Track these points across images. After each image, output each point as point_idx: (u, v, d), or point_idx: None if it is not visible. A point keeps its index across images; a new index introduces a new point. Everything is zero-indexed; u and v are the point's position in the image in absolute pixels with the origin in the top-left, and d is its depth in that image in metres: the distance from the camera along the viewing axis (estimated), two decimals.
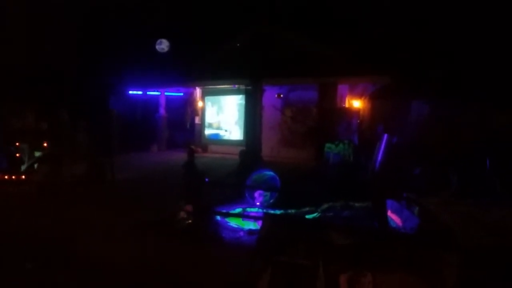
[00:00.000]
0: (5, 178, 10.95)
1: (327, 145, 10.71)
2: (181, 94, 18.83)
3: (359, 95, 14.31)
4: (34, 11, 18.42)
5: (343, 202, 8.51)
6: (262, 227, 3.53)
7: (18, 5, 17.71)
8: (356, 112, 13.57)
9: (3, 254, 5.90)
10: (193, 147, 10.49)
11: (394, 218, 7.20)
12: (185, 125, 18.21)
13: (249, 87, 13.58)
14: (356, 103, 14.04)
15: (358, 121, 13.60)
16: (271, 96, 15.32)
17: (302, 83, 14.79)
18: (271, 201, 8.61)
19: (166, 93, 18.70)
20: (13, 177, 11.01)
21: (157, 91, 18.63)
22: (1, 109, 13.57)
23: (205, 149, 17.24)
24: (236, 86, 15.99)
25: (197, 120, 17.85)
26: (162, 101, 18.67)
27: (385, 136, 10.51)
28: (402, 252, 3.13)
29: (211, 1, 20.37)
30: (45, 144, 11.64)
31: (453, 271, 2.93)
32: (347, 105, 14.25)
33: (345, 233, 3.48)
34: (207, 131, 17.76)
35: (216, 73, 15.69)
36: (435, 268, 2.98)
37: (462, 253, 3.09)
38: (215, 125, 17.59)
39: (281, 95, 15.51)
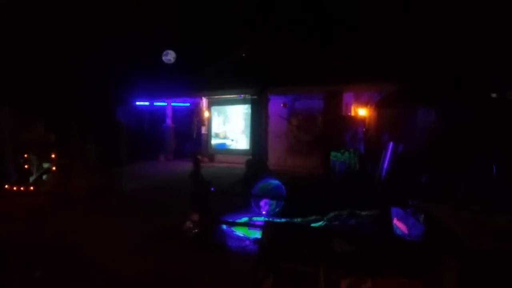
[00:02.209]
0: (14, 190, 11.09)
1: (333, 153, 10.72)
2: (188, 104, 18.99)
3: (365, 103, 14.32)
4: (44, 23, 18.74)
5: (349, 211, 8.49)
6: (263, 234, 3.58)
7: (29, 17, 18.01)
8: (362, 120, 13.57)
9: (12, 263, 5.98)
10: (199, 156, 10.57)
11: (400, 225, 7.18)
12: (191, 135, 18.33)
13: (255, 97, 13.67)
14: (362, 111, 14.05)
15: (364, 129, 13.59)
16: (276, 105, 15.39)
17: (307, 92, 14.86)
18: (277, 210, 8.63)
19: (172, 104, 18.87)
20: (22, 188, 11.16)
21: (164, 102, 18.81)
22: (10, 121, 13.76)
23: (211, 158, 17.33)
24: (242, 95, 16.11)
25: (203, 130, 17.97)
26: (169, 112, 18.83)
27: (391, 144, 10.54)
28: (402, 257, 3.15)
29: (216, 11, 20.60)
30: (53, 155, 11.77)
31: (454, 276, 2.95)
32: (352, 113, 14.28)
33: (346, 240, 3.51)
34: (214, 141, 17.86)
35: (222, 82, 15.81)
36: (435, 273, 3.00)
37: (464, 257, 3.10)
38: (221, 135, 17.69)
39: (287, 104, 15.60)
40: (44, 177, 11.34)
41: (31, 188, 11.19)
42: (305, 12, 19.87)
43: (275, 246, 3.40)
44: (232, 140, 17.29)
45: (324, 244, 3.38)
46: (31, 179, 11.61)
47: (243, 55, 15.63)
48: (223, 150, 17.53)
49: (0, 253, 6.31)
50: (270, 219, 8.10)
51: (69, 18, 19.72)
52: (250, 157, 13.32)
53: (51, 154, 11.88)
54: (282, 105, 15.45)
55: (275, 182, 9.11)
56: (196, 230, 7.39)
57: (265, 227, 3.55)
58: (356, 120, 13.53)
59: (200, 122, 18.09)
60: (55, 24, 19.02)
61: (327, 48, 14.88)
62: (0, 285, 5.37)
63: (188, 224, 7.53)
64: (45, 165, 11.77)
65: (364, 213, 8.43)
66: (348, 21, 18.32)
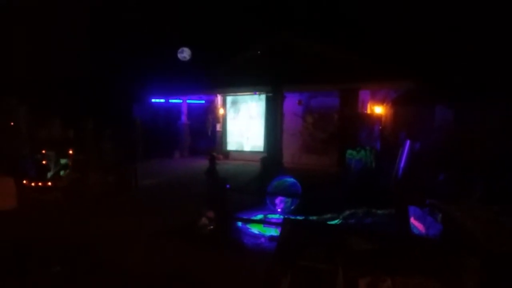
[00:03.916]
0: (32, 185, 11.26)
1: (349, 151, 10.65)
2: (203, 101, 19.05)
3: (381, 101, 14.19)
4: (61, 23, 19.00)
5: (365, 209, 8.44)
6: (282, 231, 3.56)
7: (47, 17, 18.27)
8: (378, 118, 13.46)
9: (31, 258, 6.08)
10: (214, 154, 10.59)
11: (417, 225, 7.10)
12: (206, 132, 18.38)
13: (270, 94, 13.66)
14: (378, 109, 13.93)
15: (380, 127, 13.47)
16: (291, 103, 15.35)
17: (323, 90, 14.77)
18: (292, 207, 8.61)
19: (188, 101, 18.95)
20: (40, 184, 11.32)
21: (179, 99, 18.90)
22: (28, 118, 13.98)
23: (226, 156, 17.37)
24: (257, 93, 16.11)
25: (218, 127, 18.01)
26: (184, 109, 18.92)
27: (408, 142, 10.43)
28: (421, 256, 3.11)
29: (232, 9, 20.61)
30: (71, 152, 11.92)
31: (474, 276, 2.90)
32: (368, 111, 14.15)
33: (365, 238, 3.48)
34: (229, 138, 17.90)
35: (237, 80, 15.82)
36: (455, 273, 2.95)
37: (484, 258, 3.05)
38: (236, 132, 17.72)
39: (302, 102, 15.54)
40: (62, 173, 11.48)
41: (49, 183, 11.35)
42: (321, 10, 19.75)
43: (293, 244, 3.39)
44: (247, 138, 17.30)
45: (342, 242, 3.36)
46: (49, 175, 11.79)
47: (259, 52, 15.59)
48: (238, 147, 17.54)
49: (19, 248, 6.40)
50: (286, 217, 8.08)
51: (86, 18, 19.96)
52: (265, 155, 13.32)
53: (68, 151, 12.05)
54: (297, 102, 15.40)
55: (291, 180, 9.09)
56: (212, 227, 7.42)
57: (283, 224, 3.54)
58: (372, 118, 13.43)
59: (215, 119, 18.13)
60: (71, 24, 19.28)
61: (343, 46, 14.76)
62: (20, 278, 5.46)
63: (204, 220, 7.56)
64: (63, 161, 11.93)
65: (380, 211, 8.37)
66: (365, 19, 18.16)
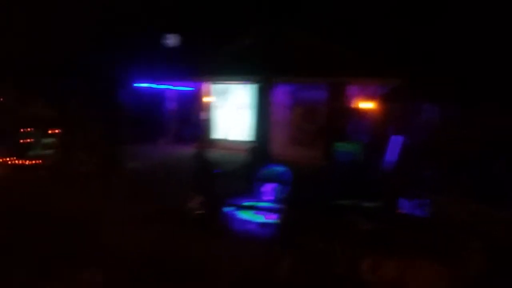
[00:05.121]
0: (9, 163, 10.97)
1: (337, 144, 10.70)
2: (191, 89, 18.84)
3: (370, 97, 14.30)
4: (49, 5, 18.55)
5: (352, 202, 8.49)
6: (282, 213, 3.55)
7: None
8: (367, 113, 13.57)
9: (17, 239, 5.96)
10: (202, 140, 10.52)
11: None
12: (193, 119, 18.21)
13: (259, 84, 13.58)
14: (367, 104, 14.04)
15: (368, 122, 13.59)
16: (280, 94, 15.30)
17: (312, 82, 14.77)
18: (282, 195, 8.58)
19: (175, 88, 18.72)
20: (18, 162, 11.03)
21: (167, 85, 18.65)
22: (14, 97, 13.64)
23: (212, 144, 17.24)
24: (246, 82, 16.01)
25: (205, 115, 17.86)
26: (171, 95, 18.69)
27: (395, 137, 10.56)
28: (426, 239, 3.14)
29: None
30: (56, 131, 11.67)
31: (477, 258, 2.94)
32: (357, 105, 14.25)
33: (367, 218, 3.50)
34: (215, 127, 17.77)
35: (226, 69, 15.68)
36: (459, 255, 2.99)
37: (486, 241, 3.10)
38: (223, 121, 17.61)
39: (290, 93, 15.51)
40: (46, 152, 11.23)
41: (29, 162, 11.08)
42: (313, 3, 19.71)
43: (294, 225, 3.39)
44: (234, 127, 17.22)
45: (343, 223, 3.37)
46: (31, 153, 11.50)
47: (247, 42, 15.48)
48: (224, 136, 17.45)
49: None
50: (276, 205, 8.07)
51: (74, 2, 19.56)
52: (252, 144, 13.26)
53: (53, 130, 11.78)
54: (285, 94, 15.37)
55: (281, 168, 9.05)
56: (199, 212, 7.36)
57: (284, 207, 3.52)
58: (361, 112, 13.53)
59: (202, 107, 17.97)
60: (60, 6, 18.86)
61: (333, 39, 14.79)
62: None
63: (191, 205, 7.50)
64: (47, 140, 11.67)
65: (367, 204, 8.43)
66: (356, 14, 18.23)
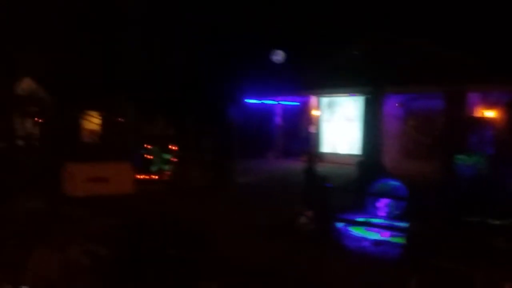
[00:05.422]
0: (138, 177, 12.00)
1: (459, 156, 9.85)
2: (297, 103, 18.98)
3: (494, 104, 13.01)
4: (163, 27, 20.16)
5: (479, 219, 7.70)
6: (409, 230, 3.30)
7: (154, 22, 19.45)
8: (491, 122, 12.34)
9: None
10: (312, 154, 10.45)
11: None
12: (300, 134, 18.29)
13: (369, 96, 13.16)
14: (490, 113, 12.79)
15: (492, 132, 12.33)
16: (390, 105, 14.63)
17: (427, 91, 13.89)
18: (397, 212, 8.12)
19: (282, 102, 19.00)
20: (146, 176, 12.04)
21: (273, 100, 19.02)
22: (135, 116, 15.00)
23: (321, 158, 17.08)
24: (354, 94, 15.64)
25: (313, 129, 17.80)
26: (278, 110, 19.01)
27: None
28: None
29: (328, 7, 20.27)
30: (174, 148, 12.54)
31: None
32: (478, 114, 13.04)
33: (499, 237, 3.10)
34: (323, 140, 17.62)
35: (333, 81, 15.50)
36: None
37: None
38: (331, 134, 17.39)
39: (402, 104, 14.78)
40: (166, 167, 12.10)
41: (153, 176, 12.02)
42: (424, 7, 18.66)
43: (423, 244, 3.12)
44: (342, 140, 16.90)
45: (481, 241, 3.02)
46: (153, 168, 12.49)
47: (356, 52, 15.13)
48: (333, 150, 17.21)
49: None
50: (389, 222, 7.66)
51: (188, 20, 20.93)
52: (362, 158, 12.84)
53: (170, 146, 12.68)
54: (397, 104, 14.68)
55: (395, 183, 8.59)
56: (311, 227, 7.26)
57: (412, 222, 3.28)
58: (484, 122, 12.36)
59: (310, 121, 17.96)
60: (175, 26, 20.33)
61: (447, 43, 13.76)
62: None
63: (303, 220, 7.44)
64: (165, 156, 12.58)
65: (497, 222, 7.57)
66: (472, 15, 16.79)
